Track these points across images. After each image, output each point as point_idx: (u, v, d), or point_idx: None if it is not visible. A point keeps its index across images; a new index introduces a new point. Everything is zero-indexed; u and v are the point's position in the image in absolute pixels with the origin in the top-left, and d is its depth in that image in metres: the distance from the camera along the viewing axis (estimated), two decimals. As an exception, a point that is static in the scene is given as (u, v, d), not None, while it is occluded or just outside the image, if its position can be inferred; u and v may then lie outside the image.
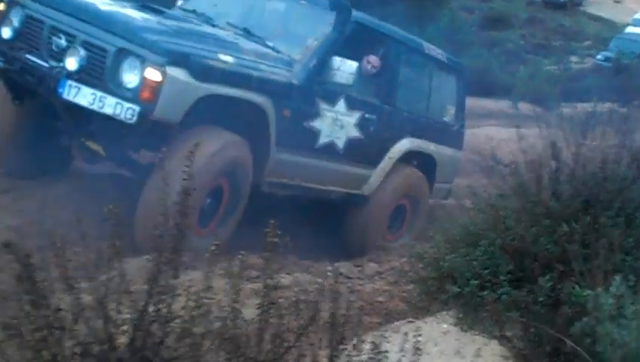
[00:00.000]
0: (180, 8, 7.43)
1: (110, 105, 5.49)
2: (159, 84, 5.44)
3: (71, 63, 5.66)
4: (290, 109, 6.48)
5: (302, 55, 6.68)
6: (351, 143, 7.15)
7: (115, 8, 6.06)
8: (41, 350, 2.44)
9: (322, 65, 6.68)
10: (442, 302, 4.56)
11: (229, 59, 5.96)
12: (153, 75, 5.45)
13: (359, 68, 6.79)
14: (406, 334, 4.39)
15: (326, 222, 7.58)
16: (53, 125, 6.40)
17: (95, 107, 5.53)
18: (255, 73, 6.09)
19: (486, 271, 4.28)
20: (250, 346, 2.77)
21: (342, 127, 7.01)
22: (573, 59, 27.98)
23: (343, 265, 6.38)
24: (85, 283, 2.71)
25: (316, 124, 6.79)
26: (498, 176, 5.32)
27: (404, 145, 7.75)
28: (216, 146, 5.82)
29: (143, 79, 5.45)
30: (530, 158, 4.88)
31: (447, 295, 4.43)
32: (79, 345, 2.52)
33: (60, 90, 5.64)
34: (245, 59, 6.17)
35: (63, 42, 5.82)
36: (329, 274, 6.23)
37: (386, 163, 7.61)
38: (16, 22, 6.16)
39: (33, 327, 2.44)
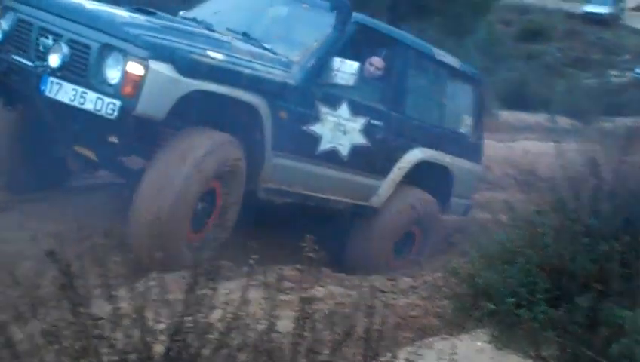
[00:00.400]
0: (182, 17, 7.31)
1: (91, 101, 5.36)
2: (141, 78, 5.27)
3: (53, 60, 5.57)
4: (286, 111, 6.23)
5: (301, 57, 6.45)
6: (356, 151, 6.84)
7: (102, 7, 5.97)
8: (80, 358, 2.45)
9: (321, 67, 6.45)
10: (477, 319, 4.50)
11: (218, 56, 5.78)
12: (135, 68, 5.29)
13: (361, 69, 6.56)
14: (441, 351, 4.38)
15: (329, 233, 7.21)
16: (47, 137, 6.39)
17: (76, 103, 5.41)
18: (246, 71, 5.88)
19: (522, 289, 4.21)
20: (285, 359, 2.76)
21: (345, 132, 6.71)
22: (613, 73, 27.74)
23: (377, 279, 6.33)
24: (124, 292, 2.73)
25: (317, 128, 6.50)
26: (535, 191, 5.27)
27: (415, 155, 7.39)
28: (206, 147, 5.62)
29: (125, 73, 5.30)
30: (569, 174, 4.81)
31: (482, 312, 4.38)
32: (117, 354, 2.53)
33: (43, 88, 5.55)
34: (237, 58, 5.97)
35: (49, 42, 5.74)
36: (364, 288, 6.27)
37: (396, 173, 7.27)
38: (6, 25, 6.11)
39: (73, 335, 2.46)
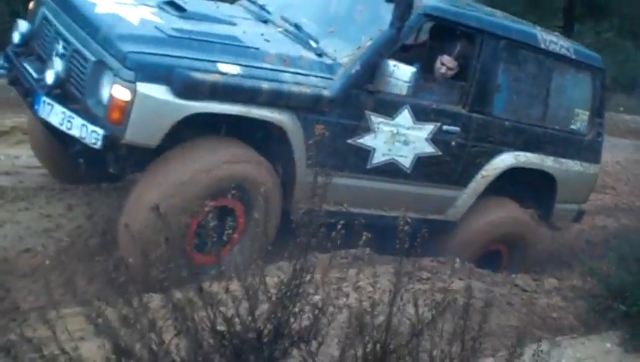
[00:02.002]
0: None
1: (77, 127, 4.79)
2: (128, 103, 4.62)
3: (49, 77, 4.98)
4: (325, 125, 5.36)
5: (350, 58, 5.61)
6: (422, 161, 6.01)
7: (114, 9, 5.26)
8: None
9: (370, 71, 5.58)
10: (610, 320, 4.36)
11: (232, 69, 5.04)
12: (121, 93, 4.62)
13: (417, 74, 5.59)
14: (567, 350, 4.29)
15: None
16: None
17: (64, 128, 4.85)
18: (266, 86, 5.13)
19: (657, 292, 4.05)
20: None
21: (407, 143, 5.88)
22: None
23: (521, 278, 6.18)
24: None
25: (366, 140, 5.69)
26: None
27: (504, 160, 6.45)
28: (211, 160, 4.98)
29: (111, 98, 4.64)
30: None
31: (615, 313, 4.23)
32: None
33: (36, 107, 5.01)
34: (260, 69, 5.22)
35: (60, 49, 5.17)
36: (506, 285, 6.18)
37: (479, 183, 6.38)
38: (26, 26, 5.64)
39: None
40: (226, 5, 6.41)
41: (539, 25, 7.12)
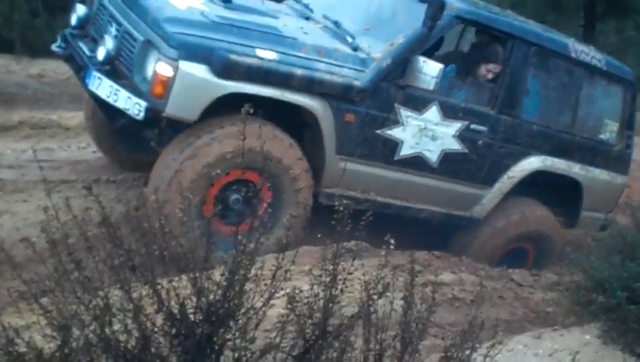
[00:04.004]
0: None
1: (122, 99, 5.24)
2: (170, 79, 5.05)
3: (100, 53, 5.48)
4: (355, 114, 5.74)
5: (382, 54, 5.88)
6: (449, 157, 6.23)
7: None
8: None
9: (401, 66, 5.83)
10: (592, 312, 4.34)
11: (269, 55, 5.39)
12: (164, 69, 5.07)
13: (443, 71, 5.81)
14: (547, 342, 4.28)
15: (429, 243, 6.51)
16: None
17: (111, 100, 5.30)
18: (300, 72, 5.46)
19: (637, 285, 4.01)
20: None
21: (434, 138, 6.11)
22: None
23: (518, 273, 6.22)
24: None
25: (395, 132, 5.96)
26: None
27: (530, 163, 6.63)
28: (213, 136, 5.28)
29: (155, 73, 5.10)
30: None
31: (596, 306, 4.22)
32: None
33: (87, 81, 5.46)
34: (295, 57, 5.54)
35: (113, 31, 5.60)
36: (502, 279, 6.19)
37: (505, 183, 6.59)
38: (83, 9, 6.11)
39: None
40: (272, 3, 6.84)
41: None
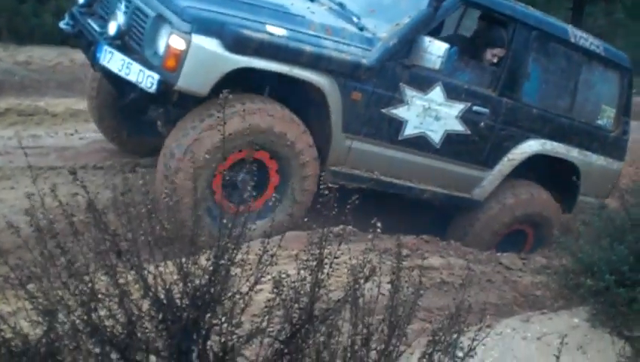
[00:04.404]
0: None
1: (134, 73, 5.31)
2: (183, 52, 5.13)
3: (111, 28, 5.55)
4: (361, 93, 5.82)
5: (387, 34, 5.98)
6: (451, 138, 6.34)
7: None
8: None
9: (406, 46, 5.92)
10: (581, 296, 4.35)
11: (279, 31, 5.47)
12: (177, 42, 5.15)
13: (449, 51, 5.88)
14: (535, 325, 4.28)
15: (429, 224, 6.75)
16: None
17: (123, 74, 5.38)
18: (309, 48, 5.53)
19: (626, 268, 4.02)
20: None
21: (438, 118, 6.20)
22: None
23: (507, 256, 6.24)
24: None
25: (400, 112, 6.04)
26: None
27: (530, 146, 6.76)
28: (231, 110, 5.24)
29: (168, 47, 5.18)
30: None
31: (585, 289, 4.22)
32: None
33: (98, 55, 5.54)
34: (304, 34, 5.62)
35: (123, 8, 5.68)
36: (491, 263, 6.20)
37: (505, 165, 6.71)
38: None
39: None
40: None
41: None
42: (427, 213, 6.77)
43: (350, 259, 2.81)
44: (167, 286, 2.68)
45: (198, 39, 5.15)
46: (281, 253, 2.88)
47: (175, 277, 2.69)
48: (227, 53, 5.23)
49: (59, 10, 11.25)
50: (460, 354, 2.83)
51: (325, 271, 2.72)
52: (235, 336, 2.63)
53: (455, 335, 2.80)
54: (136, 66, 5.30)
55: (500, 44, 6.56)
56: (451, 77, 6.21)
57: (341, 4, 6.43)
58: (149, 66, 5.26)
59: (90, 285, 2.62)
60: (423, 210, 6.71)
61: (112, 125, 6.91)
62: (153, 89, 5.21)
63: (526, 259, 6.28)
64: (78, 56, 10.49)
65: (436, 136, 6.27)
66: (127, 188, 2.80)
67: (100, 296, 2.64)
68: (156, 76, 5.18)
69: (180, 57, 5.12)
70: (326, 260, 2.73)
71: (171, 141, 5.38)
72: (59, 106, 8.43)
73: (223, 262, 2.64)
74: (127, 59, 5.36)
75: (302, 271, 2.75)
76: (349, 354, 2.75)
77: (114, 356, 2.61)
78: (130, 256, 2.64)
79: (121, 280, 2.63)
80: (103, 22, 5.78)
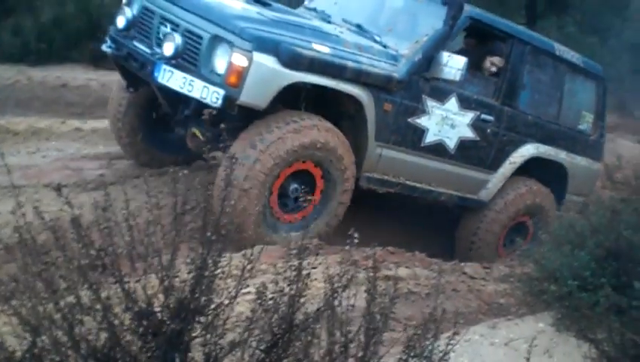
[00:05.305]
0: (304, 7, 7.72)
1: (198, 89, 5.69)
2: (245, 69, 5.55)
3: (168, 49, 5.89)
4: (391, 104, 6.37)
5: (410, 50, 6.57)
6: (464, 144, 6.95)
7: (220, 0, 6.26)
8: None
9: (428, 61, 6.52)
10: (545, 302, 4.48)
11: (323, 49, 5.97)
12: (239, 60, 5.57)
13: (476, 69, 6.59)
14: (502, 331, 4.38)
15: (440, 224, 7.55)
16: (167, 116, 6.76)
17: (185, 91, 5.74)
18: (350, 64, 6.05)
19: (588, 273, 4.15)
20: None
21: (453, 126, 6.81)
22: None
23: (470, 266, 6.36)
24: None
25: (423, 121, 6.62)
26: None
27: (528, 150, 7.43)
28: (294, 125, 5.83)
29: (230, 64, 5.59)
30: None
31: (549, 295, 4.35)
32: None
33: (156, 74, 5.90)
34: (343, 51, 6.15)
35: (168, 30, 6.07)
36: (455, 273, 6.30)
37: (507, 168, 7.35)
38: (130, 13, 6.49)
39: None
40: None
41: None
42: (426, 216, 7.48)
43: (327, 268, 2.89)
44: (149, 299, 2.73)
45: (259, 57, 5.59)
46: (258, 266, 2.93)
47: (157, 289, 2.74)
48: (283, 69, 5.68)
49: (17, 28, 11.22)
50: (435, 360, 2.92)
51: (304, 281, 2.80)
52: (218, 347, 2.69)
53: (431, 340, 2.88)
54: (199, 83, 5.70)
55: (498, 53, 7.17)
56: (463, 88, 6.77)
57: (358, 25, 6.95)
58: (211, 83, 5.65)
59: (73, 299, 2.66)
60: (422, 215, 7.39)
61: (136, 148, 7.28)
62: (219, 104, 5.59)
63: (489, 267, 6.42)
64: (35, 73, 10.50)
65: (451, 143, 6.86)
66: (109, 204, 2.85)
67: (82, 309, 2.67)
68: (221, 92, 5.59)
69: (242, 74, 5.55)
70: (304, 271, 2.80)
71: (252, 134, 5.76)
72: (20, 125, 8.38)
73: (206, 273, 2.69)
74: (190, 77, 5.74)
75: (280, 283, 2.83)
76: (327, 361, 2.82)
77: (98, 369, 2.64)
78: (113, 269, 2.69)
79: (104, 294, 2.67)
80: (148, 44, 6.21)
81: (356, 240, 2.91)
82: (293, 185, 6.06)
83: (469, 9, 6.85)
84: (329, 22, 7.02)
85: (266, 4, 6.58)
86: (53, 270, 2.69)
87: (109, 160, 7.59)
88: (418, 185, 6.87)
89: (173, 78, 5.83)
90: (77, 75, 10.79)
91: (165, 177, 6.62)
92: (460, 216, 7.60)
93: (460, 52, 7.09)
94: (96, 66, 11.16)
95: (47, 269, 2.66)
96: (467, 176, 7.15)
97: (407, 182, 6.78)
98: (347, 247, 2.96)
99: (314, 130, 5.90)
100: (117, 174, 7.13)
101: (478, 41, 7.51)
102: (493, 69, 7.17)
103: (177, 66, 5.87)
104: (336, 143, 6.04)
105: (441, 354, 2.95)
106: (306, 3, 7.84)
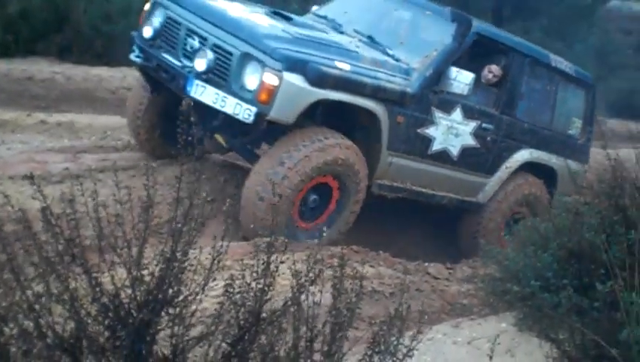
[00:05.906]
0: (313, 13, 7.95)
1: (231, 106, 5.99)
2: (276, 87, 5.88)
3: (200, 64, 6.16)
4: (404, 116, 6.74)
5: (420, 64, 6.92)
6: (466, 151, 7.32)
7: (245, 15, 6.54)
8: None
9: (439, 75, 6.89)
10: (508, 302, 4.54)
11: (345, 66, 6.30)
12: (271, 79, 5.89)
13: (476, 79, 6.90)
14: (464, 331, 4.43)
15: (441, 226, 7.87)
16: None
17: (217, 106, 6.04)
18: (369, 81, 6.39)
19: (550, 274, 4.22)
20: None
21: (457, 135, 7.19)
22: None
23: (434, 266, 6.43)
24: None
25: (430, 131, 7.00)
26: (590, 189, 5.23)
27: (522, 155, 7.84)
28: (319, 144, 6.18)
29: (262, 83, 5.91)
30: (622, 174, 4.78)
31: (512, 295, 4.41)
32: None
33: (188, 89, 6.15)
34: (362, 68, 6.47)
35: (196, 44, 6.35)
36: (419, 273, 6.35)
37: (503, 172, 7.74)
38: (157, 22, 6.70)
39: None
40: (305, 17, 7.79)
41: None
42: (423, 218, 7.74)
43: (294, 263, 2.91)
44: (116, 291, 2.73)
45: (289, 76, 5.95)
46: (226, 260, 2.94)
47: (125, 282, 2.74)
48: (311, 88, 6.05)
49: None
50: (400, 356, 2.95)
51: (272, 275, 2.82)
52: (185, 338, 2.69)
53: (396, 337, 2.91)
54: (232, 100, 6.00)
55: (496, 61, 7.48)
56: (466, 99, 7.10)
57: (370, 37, 7.24)
58: (242, 99, 5.96)
59: (40, 288, 2.65)
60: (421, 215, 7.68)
61: (150, 138, 7.51)
62: (250, 120, 5.93)
63: (452, 268, 6.50)
64: (1, 66, 10.41)
65: (455, 150, 7.25)
66: (72, 197, 2.85)
67: (50, 298, 2.67)
68: (253, 109, 5.92)
69: (273, 92, 5.89)
70: (272, 265, 2.82)
71: (280, 151, 6.13)
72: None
73: (174, 266, 2.70)
74: (222, 94, 6.05)
75: (246, 277, 2.84)
76: (292, 355, 2.84)
77: (65, 360, 2.64)
78: (81, 260, 2.68)
79: (72, 285, 2.67)
80: (175, 55, 6.48)
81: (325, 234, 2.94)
82: (313, 196, 6.42)
83: (476, 25, 7.28)
84: (341, 32, 7.31)
85: (288, 19, 6.86)
86: (21, 259, 2.69)
87: (75, 153, 7.56)
88: (423, 190, 7.23)
89: (205, 93, 6.11)
90: (42, 68, 10.71)
91: (135, 170, 6.66)
92: (459, 216, 7.97)
93: (459, 60, 7.37)
94: (61, 60, 11.10)
95: (14, 258, 2.65)
96: (467, 180, 7.55)
97: (414, 188, 7.14)
98: (314, 243, 2.99)
99: (337, 148, 6.27)
100: (82, 168, 7.10)
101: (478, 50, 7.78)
102: (490, 76, 7.51)
103: (208, 81, 6.15)
104: (354, 159, 6.41)
105: (405, 351, 2.98)
106: (314, 9, 8.10)
